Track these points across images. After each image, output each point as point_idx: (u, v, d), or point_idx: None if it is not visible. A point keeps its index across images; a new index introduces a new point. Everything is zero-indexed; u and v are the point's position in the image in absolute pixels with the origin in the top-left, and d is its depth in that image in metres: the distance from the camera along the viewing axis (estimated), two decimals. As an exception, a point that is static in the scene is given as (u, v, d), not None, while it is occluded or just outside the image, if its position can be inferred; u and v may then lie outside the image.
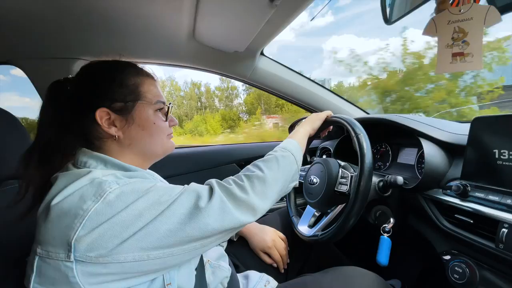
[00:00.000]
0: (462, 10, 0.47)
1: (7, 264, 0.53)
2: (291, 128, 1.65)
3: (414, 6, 0.60)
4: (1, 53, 0.95)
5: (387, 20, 0.63)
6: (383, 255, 0.73)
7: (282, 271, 0.87)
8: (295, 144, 0.70)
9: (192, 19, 0.86)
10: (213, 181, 0.54)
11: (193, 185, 0.52)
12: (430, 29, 0.52)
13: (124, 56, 0.60)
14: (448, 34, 0.49)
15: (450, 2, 0.49)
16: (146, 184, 0.47)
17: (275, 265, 0.86)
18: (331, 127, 0.88)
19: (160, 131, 0.58)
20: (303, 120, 0.84)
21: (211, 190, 0.51)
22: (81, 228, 0.40)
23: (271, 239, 0.88)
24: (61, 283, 0.42)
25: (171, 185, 0.51)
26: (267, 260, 0.86)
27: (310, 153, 1.39)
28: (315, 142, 1.39)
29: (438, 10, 0.51)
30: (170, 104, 0.61)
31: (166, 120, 0.60)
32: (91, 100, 0.53)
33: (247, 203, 0.52)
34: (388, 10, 0.62)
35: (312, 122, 0.82)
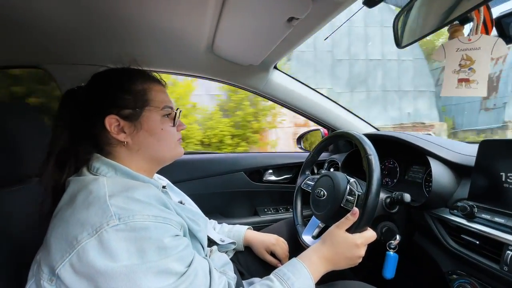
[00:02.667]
0: (471, 40, 0.50)
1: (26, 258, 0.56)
2: (299, 139, 1.67)
3: (426, 33, 0.63)
4: (30, 57, 1.02)
5: (399, 44, 0.66)
6: (390, 271, 0.74)
7: None
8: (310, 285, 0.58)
9: (212, 33, 0.91)
10: None
11: (195, 282, 0.48)
12: (439, 54, 0.55)
13: (143, 65, 0.63)
14: (456, 60, 0.52)
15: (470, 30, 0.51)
16: (147, 234, 0.44)
17: (279, 265, 0.87)
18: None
19: (168, 137, 0.59)
20: (327, 238, 0.66)
21: None
22: (67, 262, 0.42)
23: (275, 238, 0.90)
24: None
25: (172, 265, 0.46)
26: (272, 260, 0.87)
27: (317, 165, 1.41)
28: (323, 155, 1.41)
29: (450, 37, 0.53)
30: (178, 109, 0.62)
31: (174, 125, 0.61)
32: (101, 107, 0.55)
33: None
34: (399, 34, 0.65)
35: (338, 265, 0.64)
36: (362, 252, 0.64)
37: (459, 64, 0.52)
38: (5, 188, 0.63)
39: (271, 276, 0.57)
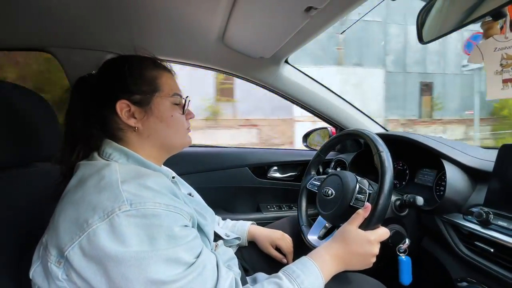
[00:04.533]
0: (508, 37, 0.47)
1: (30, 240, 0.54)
2: (305, 137, 1.65)
3: (452, 29, 0.60)
4: (37, 40, 0.99)
5: (421, 40, 0.63)
6: (406, 277, 0.72)
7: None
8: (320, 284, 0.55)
9: (224, 23, 0.88)
10: None
11: (201, 278, 0.46)
12: (475, 56, 0.52)
13: (151, 53, 0.63)
14: (496, 61, 0.49)
15: (499, 27, 0.48)
16: (158, 221, 0.44)
17: (284, 260, 0.86)
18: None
19: (178, 124, 0.60)
20: (338, 235, 0.64)
21: None
22: (77, 245, 0.42)
23: (280, 233, 0.90)
24: (52, 281, 0.44)
25: (181, 254, 0.45)
26: (277, 254, 0.86)
27: (323, 165, 1.39)
28: (329, 154, 1.39)
29: (485, 36, 0.50)
30: (187, 97, 0.63)
31: (183, 114, 0.61)
32: (112, 93, 0.56)
33: None
34: (423, 30, 0.63)
35: (351, 264, 0.61)
36: (376, 249, 0.61)
37: (501, 64, 0.49)
38: (10, 170, 0.62)
39: (280, 273, 0.55)
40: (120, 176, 0.47)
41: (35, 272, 0.46)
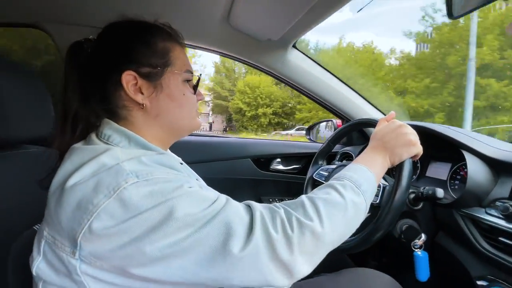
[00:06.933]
0: None
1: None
2: (309, 130, 1.60)
3: (481, 3, 0.55)
4: (28, 15, 0.93)
5: (451, 15, 0.57)
6: (423, 273, 0.68)
7: None
8: (373, 184, 0.51)
9: (230, 1, 0.82)
10: (257, 212, 0.41)
11: (231, 207, 0.41)
12: None
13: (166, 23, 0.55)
14: None
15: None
16: (171, 185, 0.39)
17: None
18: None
19: (190, 104, 0.53)
20: (376, 138, 0.59)
21: (250, 227, 0.39)
22: (88, 227, 0.36)
23: None
24: (65, 276, 0.39)
25: (203, 193, 0.41)
26: None
27: (328, 158, 1.34)
28: (335, 147, 1.34)
29: None
30: (200, 75, 0.56)
31: (194, 93, 0.55)
32: (116, 62, 0.48)
33: (287, 264, 0.39)
34: (453, 4, 0.57)
35: (395, 154, 0.57)
36: (412, 136, 0.58)
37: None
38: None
39: (332, 181, 0.50)
40: (121, 157, 0.41)
41: (39, 268, 0.41)
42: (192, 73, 0.54)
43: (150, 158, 0.43)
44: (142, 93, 0.48)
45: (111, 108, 0.49)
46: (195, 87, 0.55)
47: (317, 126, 1.54)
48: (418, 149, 0.59)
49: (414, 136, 0.58)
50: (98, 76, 0.48)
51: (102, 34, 0.51)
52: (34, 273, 0.41)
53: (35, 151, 0.65)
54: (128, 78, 0.47)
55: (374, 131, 0.61)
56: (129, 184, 0.37)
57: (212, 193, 0.44)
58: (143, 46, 0.49)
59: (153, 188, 0.38)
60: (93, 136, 0.47)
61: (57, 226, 0.39)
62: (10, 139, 0.59)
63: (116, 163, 0.40)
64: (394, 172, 0.63)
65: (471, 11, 0.55)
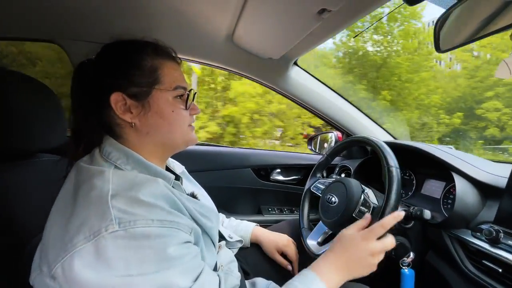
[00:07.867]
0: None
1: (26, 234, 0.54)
2: (311, 141, 1.62)
3: (468, 39, 0.58)
4: (47, 31, 0.99)
5: (438, 48, 0.60)
6: None
7: (296, 271, 0.84)
8: None
9: (234, 21, 0.87)
10: None
11: None
12: (503, 71, 0.49)
13: (155, 39, 0.57)
14: None
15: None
16: (149, 252, 0.40)
17: (289, 267, 0.84)
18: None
19: (180, 120, 0.54)
20: (342, 243, 0.60)
21: None
22: (60, 266, 0.39)
23: (286, 238, 0.87)
24: None
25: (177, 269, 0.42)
26: (283, 261, 0.84)
27: (327, 170, 1.36)
28: (334, 160, 1.37)
29: None
30: (191, 90, 0.57)
31: (186, 109, 0.55)
32: (107, 83, 0.50)
33: None
34: (440, 38, 0.60)
35: (353, 270, 0.57)
36: (376, 260, 0.57)
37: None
38: (10, 163, 0.61)
39: None
40: (111, 188, 0.43)
41: (36, 281, 0.42)
42: (184, 88, 0.55)
43: (144, 192, 0.44)
44: (131, 112, 0.51)
45: (107, 126, 0.52)
46: (187, 103, 0.55)
47: (318, 137, 1.58)
48: (381, 255, 0.59)
49: (378, 257, 0.58)
50: (94, 96, 0.51)
51: (98, 55, 0.54)
52: (30, 283, 0.43)
53: (50, 159, 0.70)
54: (117, 99, 0.49)
55: (343, 232, 0.61)
56: (108, 232, 0.39)
57: (192, 273, 0.44)
58: (131, 67, 0.51)
59: (130, 243, 0.39)
60: (97, 152, 0.51)
61: (45, 248, 0.42)
62: (27, 149, 0.64)
63: (106, 193, 0.42)
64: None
65: (458, 46, 0.58)
